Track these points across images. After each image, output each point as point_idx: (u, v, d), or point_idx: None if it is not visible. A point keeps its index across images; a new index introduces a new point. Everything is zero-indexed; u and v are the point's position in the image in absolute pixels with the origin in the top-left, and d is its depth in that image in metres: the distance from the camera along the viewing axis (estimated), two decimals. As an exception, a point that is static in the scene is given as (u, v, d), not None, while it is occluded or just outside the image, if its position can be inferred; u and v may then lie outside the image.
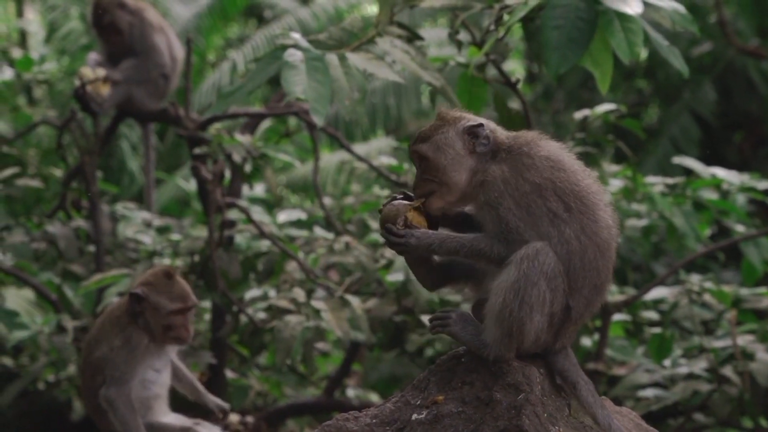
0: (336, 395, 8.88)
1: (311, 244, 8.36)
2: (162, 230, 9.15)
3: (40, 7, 16.36)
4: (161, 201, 13.64)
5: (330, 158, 13.94)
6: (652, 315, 8.80)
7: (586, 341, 8.64)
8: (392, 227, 4.23)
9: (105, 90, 9.14)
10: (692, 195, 8.60)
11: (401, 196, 4.36)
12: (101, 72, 9.14)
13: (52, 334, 7.93)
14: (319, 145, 8.69)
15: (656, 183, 8.72)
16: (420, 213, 4.28)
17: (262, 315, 7.76)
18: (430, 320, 4.34)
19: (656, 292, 8.54)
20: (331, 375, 9.20)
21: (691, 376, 7.96)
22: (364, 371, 9.83)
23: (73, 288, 8.56)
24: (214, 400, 6.13)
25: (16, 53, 15.19)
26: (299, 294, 7.46)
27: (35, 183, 9.58)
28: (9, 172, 9.46)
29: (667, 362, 8.15)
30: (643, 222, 8.72)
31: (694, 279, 8.48)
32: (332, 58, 5.95)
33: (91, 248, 8.99)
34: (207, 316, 8.43)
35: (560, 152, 4.31)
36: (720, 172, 8.77)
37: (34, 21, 18.42)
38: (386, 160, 8.93)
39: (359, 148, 12.36)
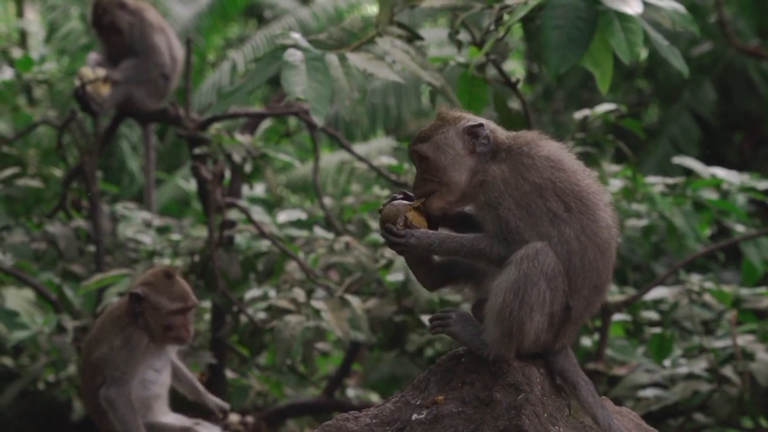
0: (336, 395, 8.88)
1: (311, 244, 8.36)
2: (162, 230, 9.15)
3: (40, 7, 16.35)
4: (161, 201, 13.64)
5: (330, 158, 13.94)
6: (652, 315, 8.80)
7: (586, 341, 8.64)
8: (392, 227, 4.23)
9: (105, 90, 9.14)
10: (692, 195, 8.60)
11: (401, 195, 4.36)
12: (101, 72, 9.14)
13: (52, 334, 7.93)
14: (319, 145, 8.70)
15: (656, 183, 8.71)
16: (420, 213, 4.28)
17: (262, 315, 7.76)
18: (430, 320, 4.34)
19: (656, 292, 8.54)
20: (331, 375, 9.20)
21: (691, 376, 7.96)
22: (364, 371, 9.83)
23: (73, 288, 8.56)
24: (214, 400, 6.13)
25: (16, 53, 15.18)
26: (299, 294, 7.46)
27: (35, 183, 9.57)
28: (9, 172, 9.46)
29: (667, 362, 8.15)
30: (643, 222, 8.72)
31: (694, 279, 8.48)
32: (332, 58, 5.95)
33: (91, 248, 8.99)
34: (207, 316, 8.43)
35: (560, 152, 4.31)
36: (720, 172, 8.77)
37: (34, 21, 18.41)
38: (386, 160, 8.93)
39: (359, 148, 12.35)
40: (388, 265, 7.97)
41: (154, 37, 9.58)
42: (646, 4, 5.79)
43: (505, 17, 6.11)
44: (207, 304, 8.13)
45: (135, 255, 8.94)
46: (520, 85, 6.71)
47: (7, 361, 9.00)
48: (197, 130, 8.10)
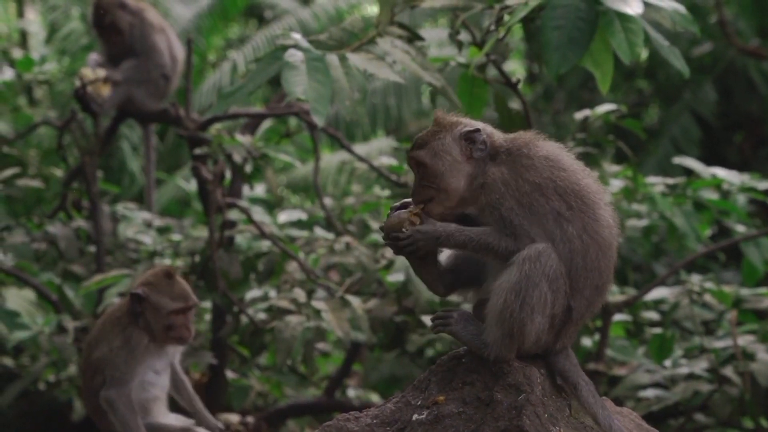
0: (336, 395, 8.88)
1: (312, 245, 8.36)
2: (162, 230, 9.16)
3: (41, 7, 16.36)
4: (162, 201, 13.65)
5: (330, 158, 13.94)
6: (652, 315, 8.80)
7: (587, 341, 8.64)
8: (398, 234, 4.23)
9: (105, 90, 9.15)
10: (693, 195, 8.59)
11: (399, 204, 4.36)
12: (102, 72, 9.15)
13: (52, 335, 7.92)
14: (319, 145, 8.69)
15: (657, 183, 8.71)
16: (421, 219, 4.28)
17: (262, 315, 7.76)
18: (432, 320, 4.34)
19: (657, 293, 8.54)
20: (331, 375, 9.20)
21: (691, 377, 7.96)
22: (364, 371, 9.82)
23: (74, 288, 8.56)
24: (209, 419, 6.09)
25: (17, 54, 15.19)
26: (300, 294, 7.46)
27: (36, 183, 9.57)
28: (10, 172, 9.46)
29: (667, 362, 8.14)
30: (643, 222, 8.72)
31: (695, 279, 8.48)
32: (333, 58, 5.95)
33: (92, 249, 8.99)
34: (207, 317, 8.43)
35: (559, 152, 4.31)
36: (720, 173, 8.77)
37: (34, 21, 18.41)
38: (387, 161, 8.92)
39: (360, 148, 12.35)
40: (389, 266, 7.97)
41: (154, 38, 9.58)
42: (646, 5, 5.79)
43: (506, 17, 6.11)
44: (207, 304, 8.13)
45: (135, 255, 8.94)
46: (520, 86, 6.71)
47: (8, 362, 9.00)
48: (198, 131, 8.10)
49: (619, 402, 5.84)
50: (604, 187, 4.40)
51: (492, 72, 6.74)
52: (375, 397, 9.37)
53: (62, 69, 13.53)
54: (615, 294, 8.68)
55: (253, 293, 7.96)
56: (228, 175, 8.07)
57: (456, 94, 6.36)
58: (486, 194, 4.22)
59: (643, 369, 8.14)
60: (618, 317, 8.57)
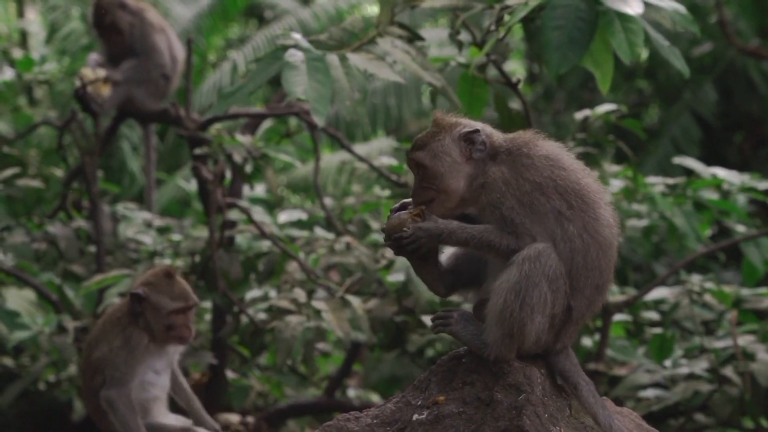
0: (337, 395, 8.88)
1: (312, 245, 8.36)
2: (163, 231, 9.16)
3: (41, 7, 16.36)
4: (162, 201, 13.64)
5: (331, 158, 13.94)
6: (652, 315, 8.80)
7: (587, 341, 8.64)
8: (401, 234, 4.22)
9: (105, 90, 9.15)
10: (693, 195, 8.59)
11: (397, 206, 4.36)
12: (102, 72, 9.15)
13: (52, 335, 7.92)
14: (319, 145, 8.69)
15: (657, 183, 8.71)
16: (422, 220, 4.27)
17: (262, 315, 7.76)
18: (432, 320, 4.34)
19: (657, 293, 8.54)
20: (331, 375, 9.20)
21: (691, 377, 7.96)
22: (364, 371, 9.82)
23: (74, 288, 8.56)
24: (206, 419, 6.09)
25: (17, 54, 15.19)
26: (300, 294, 7.45)
27: (36, 183, 9.58)
28: (10, 172, 9.46)
29: (667, 362, 8.14)
30: (643, 222, 8.72)
31: (695, 279, 8.48)
32: (333, 58, 5.95)
33: (92, 249, 8.99)
34: (208, 317, 8.43)
35: (559, 151, 4.31)
36: (720, 173, 8.77)
37: (34, 21, 18.42)
38: (387, 161, 8.92)
39: (360, 148, 12.35)
40: (389, 266, 7.97)
41: (154, 38, 9.58)
42: (646, 5, 5.79)
43: (506, 18, 6.11)
44: (208, 304, 8.13)
45: (136, 255, 8.94)
46: (520, 86, 6.71)
47: (8, 362, 9.00)
48: (198, 131, 8.10)
49: (619, 402, 5.83)
50: (604, 186, 4.40)
51: (492, 72, 6.74)
52: (375, 397, 9.37)
53: (62, 69, 13.53)
54: (615, 294, 8.68)
55: (254, 293, 7.96)
56: (228, 175, 8.07)
57: (456, 94, 6.36)
58: (487, 193, 4.22)
59: (643, 369, 8.14)
60: (618, 317, 8.57)
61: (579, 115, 8.21)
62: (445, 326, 4.29)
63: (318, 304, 7.33)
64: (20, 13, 19.01)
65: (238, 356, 8.51)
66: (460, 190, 4.27)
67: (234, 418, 7.92)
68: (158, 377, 5.96)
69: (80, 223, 9.12)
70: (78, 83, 9.06)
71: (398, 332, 8.08)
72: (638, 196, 8.66)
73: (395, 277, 7.82)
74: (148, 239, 8.82)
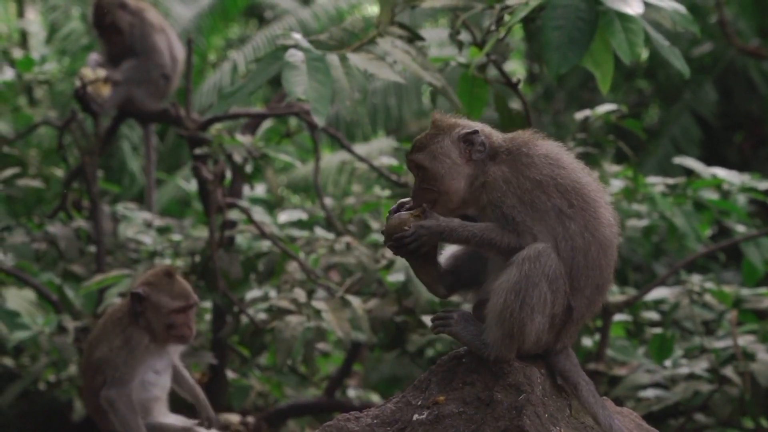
0: (337, 396, 8.88)
1: (312, 245, 8.36)
2: (163, 231, 9.16)
3: (41, 7, 16.35)
4: (162, 201, 13.64)
5: (331, 158, 13.94)
6: (652, 315, 8.80)
7: (587, 341, 8.64)
8: (402, 233, 4.22)
9: (105, 90, 9.15)
10: (693, 195, 8.59)
11: (395, 206, 4.36)
12: (102, 72, 9.15)
13: (52, 335, 7.92)
14: (320, 145, 8.70)
15: (657, 183, 8.71)
16: (423, 219, 4.27)
17: (262, 315, 7.76)
18: (432, 320, 4.34)
19: (657, 293, 8.54)
20: (331, 375, 9.20)
21: (691, 377, 7.96)
22: (364, 372, 9.82)
23: (74, 288, 8.56)
24: (208, 413, 6.09)
25: (17, 53, 15.17)
26: (300, 294, 7.45)
27: (36, 183, 9.58)
28: (10, 172, 9.47)
29: (667, 363, 8.14)
30: (643, 222, 8.72)
31: (695, 279, 8.48)
32: (333, 58, 5.95)
33: (92, 249, 8.99)
34: (208, 317, 8.43)
35: (558, 150, 4.32)
36: (720, 173, 8.77)
37: (35, 21, 18.41)
38: (387, 161, 8.93)
39: (360, 148, 12.35)
40: (389, 266, 7.97)
41: (154, 38, 9.58)
42: (646, 5, 5.79)
43: (506, 18, 6.11)
44: (208, 304, 8.13)
45: (136, 255, 8.94)
46: (520, 86, 6.71)
47: (8, 362, 9.00)
48: (198, 131, 8.10)
49: (619, 402, 5.83)
50: (603, 186, 4.40)
51: (492, 72, 6.74)
52: (375, 397, 9.37)
53: (62, 69, 13.53)
54: (615, 294, 8.69)
55: (254, 293, 7.96)
56: (228, 175, 8.07)
57: (456, 94, 6.37)
58: (487, 193, 4.22)
59: (643, 369, 8.14)
60: (618, 317, 8.57)
61: (579, 115, 8.21)
62: (445, 326, 4.29)
63: (318, 304, 7.33)
64: (20, 13, 19.01)
65: (238, 356, 8.51)
66: (460, 191, 4.27)
67: (234, 418, 7.92)
68: (159, 377, 5.96)
69: (80, 223, 9.12)
70: (78, 83, 9.06)
71: (398, 332, 8.08)
72: (638, 196, 8.67)
73: (395, 277, 7.82)
74: (148, 239, 8.81)
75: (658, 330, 8.52)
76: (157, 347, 5.91)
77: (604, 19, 5.68)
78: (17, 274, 8.54)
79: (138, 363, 5.84)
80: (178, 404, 6.23)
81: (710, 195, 8.65)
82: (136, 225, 9.31)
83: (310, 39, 6.12)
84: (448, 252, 4.41)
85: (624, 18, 5.67)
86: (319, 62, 5.84)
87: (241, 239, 8.39)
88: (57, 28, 14.93)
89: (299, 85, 5.70)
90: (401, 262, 7.67)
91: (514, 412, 4.15)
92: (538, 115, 16.08)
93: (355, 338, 7.46)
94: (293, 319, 7.15)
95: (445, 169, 4.27)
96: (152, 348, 5.90)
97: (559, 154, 4.29)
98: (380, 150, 13.58)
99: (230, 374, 8.39)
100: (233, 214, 7.99)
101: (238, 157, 7.73)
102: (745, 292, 8.58)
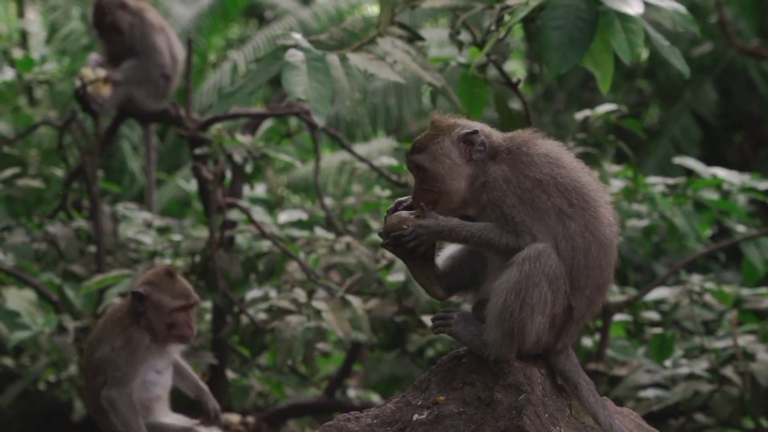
0: (337, 396, 8.88)
1: (312, 245, 8.36)
2: (163, 231, 9.16)
3: (41, 7, 16.36)
4: (162, 201, 13.65)
5: (331, 158, 13.94)
6: (653, 315, 8.80)
7: (587, 341, 8.64)
8: (401, 232, 4.21)
9: (106, 90, 9.15)
10: (693, 195, 8.60)
11: (392, 206, 4.36)
12: (102, 72, 9.15)
13: (53, 335, 7.92)
14: (320, 145, 8.70)
15: (657, 183, 8.72)
16: (422, 218, 4.26)
17: (263, 315, 7.76)
18: (432, 320, 4.34)
19: (657, 293, 8.54)
20: (332, 375, 9.20)
21: (692, 377, 7.96)
22: (364, 372, 9.83)
23: (74, 288, 8.56)
24: (213, 403, 6.09)
25: (17, 53, 15.18)
26: (300, 294, 7.45)
27: (36, 183, 9.58)
28: (10, 172, 9.46)
29: (668, 363, 8.15)
30: (643, 222, 8.72)
31: (695, 279, 8.48)
32: (333, 58, 5.95)
33: (92, 249, 9.00)
34: (208, 317, 8.43)
35: (558, 149, 4.32)
36: (721, 173, 8.77)
37: (35, 21, 18.42)
38: (387, 161, 8.93)
39: (360, 148, 12.35)
40: (389, 266, 7.97)
41: (154, 38, 9.58)
42: (646, 5, 5.79)
43: (506, 18, 6.11)
44: (208, 304, 8.13)
45: (136, 255, 8.94)
46: (521, 86, 6.71)
47: (8, 362, 9.00)
48: (198, 131, 8.10)
49: (619, 402, 5.84)
50: (603, 185, 4.40)
51: (492, 72, 6.74)
52: (375, 397, 9.37)
53: (62, 69, 13.53)
54: (615, 294, 8.69)
55: (254, 293, 7.96)
56: (228, 175, 8.07)
57: (456, 94, 6.37)
58: (488, 192, 4.22)
59: (643, 369, 8.14)
60: (618, 317, 8.57)
61: (579, 115, 8.21)
62: (445, 327, 4.29)
63: (318, 304, 7.33)
64: (20, 13, 19.01)
65: (238, 356, 8.52)
66: (461, 191, 4.27)
67: (234, 418, 7.92)
68: (160, 377, 5.96)
69: (80, 223, 9.12)
70: (78, 83, 9.06)
71: (398, 332, 8.08)
72: (638, 196, 8.67)
73: (395, 277, 7.82)
74: (148, 239, 8.82)
75: (658, 330, 8.52)
76: (158, 347, 5.90)
77: (604, 19, 5.69)
78: (17, 274, 8.54)
79: (139, 363, 5.84)
80: (179, 403, 6.23)
81: (710, 195, 8.65)
82: (136, 225, 9.31)
83: (310, 39, 6.12)
84: (445, 253, 4.41)
85: (624, 18, 5.67)
86: (319, 62, 5.84)
87: (241, 239, 8.39)
88: (57, 28, 14.93)
89: (299, 85, 5.70)
90: (401, 262, 7.66)
91: (514, 412, 4.15)
92: (538, 115, 16.08)
93: (355, 338, 7.46)
94: (293, 319, 7.15)
95: (445, 170, 4.26)
96: (153, 348, 5.90)
97: (559, 154, 4.29)
98: (380, 150, 13.58)
99: (230, 374, 8.40)
100: (233, 214, 7.99)
101: (238, 157, 7.73)
102: (745, 292, 8.58)
